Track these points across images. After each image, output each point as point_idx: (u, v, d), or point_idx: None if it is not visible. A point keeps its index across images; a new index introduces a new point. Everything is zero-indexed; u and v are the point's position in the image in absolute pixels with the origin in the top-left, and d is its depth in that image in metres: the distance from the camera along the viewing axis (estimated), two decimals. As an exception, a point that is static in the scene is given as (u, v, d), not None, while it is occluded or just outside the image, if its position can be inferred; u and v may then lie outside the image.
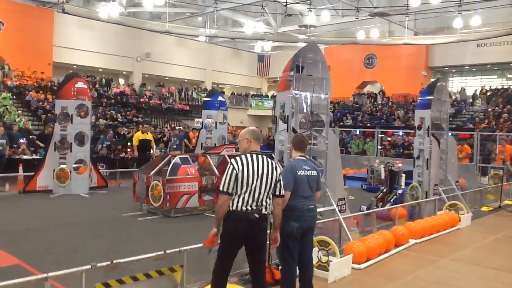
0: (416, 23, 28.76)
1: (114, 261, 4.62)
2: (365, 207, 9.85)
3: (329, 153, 7.89)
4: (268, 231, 4.72)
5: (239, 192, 4.22)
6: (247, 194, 4.21)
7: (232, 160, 4.34)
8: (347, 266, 6.12)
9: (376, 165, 14.90)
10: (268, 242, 4.70)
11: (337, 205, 7.50)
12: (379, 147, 20.01)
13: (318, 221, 6.55)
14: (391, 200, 9.84)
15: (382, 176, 10.69)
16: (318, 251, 5.97)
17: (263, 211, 4.28)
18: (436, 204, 10.15)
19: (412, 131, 11.55)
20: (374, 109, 31.03)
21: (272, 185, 4.33)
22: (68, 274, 4.33)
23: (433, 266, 6.79)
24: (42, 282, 4.09)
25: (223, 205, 4.23)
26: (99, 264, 4.47)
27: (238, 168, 4.23)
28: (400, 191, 10.08)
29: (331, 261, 5.88)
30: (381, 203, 10.01)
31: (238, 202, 4.21)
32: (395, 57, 31.52)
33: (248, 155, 4.36)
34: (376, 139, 20.34)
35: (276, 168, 4.38)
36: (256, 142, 4.51)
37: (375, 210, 8.83)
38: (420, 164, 10.55)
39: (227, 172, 4.26)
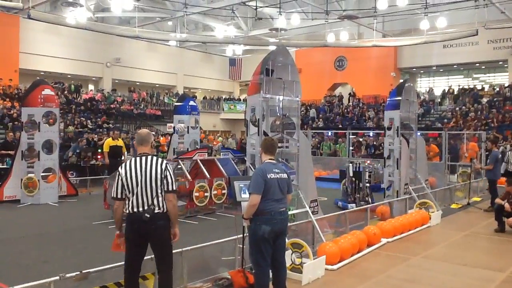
0: (384, 26, 29.24)
1: (84, 271, 4.53)
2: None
3: (300, 155, 7.94)
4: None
5: (129, 196, 4.41)
6: (135, 197, 4.38)
7: (120, 166, 4.55)
8: (320, 268, 6.14)
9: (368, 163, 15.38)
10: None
11: (309, 207, 7.54)
12: (351, 148, 20.25)
13: (291, 223, 6.58)
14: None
15: (351, 174, 11.50)
16: (292, 253, 5.98)
17: (156, 210, 4.38)
18: (407, 203, 10.31)
19: (383, 131, 11.73)
20: (345, 110, 31.39)
21: (159, 183, 4.42)
22: (36, 286, 4.21)
23: (405, 264, 6.89)
24: (8, 295, 3.99)
25: (117, 210, 4.50)
26: (68, 275, 4.38)
27: (122, 173, 4.44)
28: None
29: (304, 263, 5.89)
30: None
31: (129, 205, 4.40)
32: (364, 59, 31.99)
33: (133, 158, 4.53)
34: (347, 140, 20.57)
35: (161, 165, 4.49)
36: (141, 145, 4.66)
37: (368, 206, 8.94)
38: (391, 164, 10.71)
39: (116, 178, 4.50)
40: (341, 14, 25.03)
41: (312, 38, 30.97)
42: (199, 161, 11.08)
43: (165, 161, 4.57)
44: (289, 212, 5.78)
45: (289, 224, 5.51)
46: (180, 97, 17.54)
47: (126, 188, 4.39)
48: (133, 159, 4.50)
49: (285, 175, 5.07)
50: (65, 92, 27.64)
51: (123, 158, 14.21)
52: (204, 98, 37.38)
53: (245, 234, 5.41)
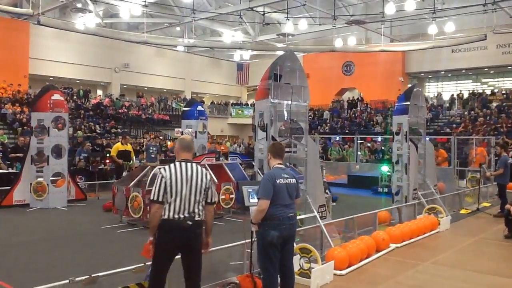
0: (392, 30, 29.20)
1: (93, 275, 4.54)
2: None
3: (308, 160, 7.93)
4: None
5: (169, 200, 4.24)
6: (177, 202, 4.24)
7: (161, 169, 4.37)
8: (329, 273, 6.12)
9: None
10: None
11: (318, 212, 7.52)
12: (359, 153, 20.21)
13: (299, 228, 6.56)
14: None
15: None
16: (300, 259, 5.97)
17: (196, 218, 4.30)
18: (416, 208, 10.25)
19: (391, 136, 11.70)
20: (353, 115, 31.34)
21: (203, 192, 4.35)
22: (45, 289, 4.24)
23: (414, 270, 6.84)
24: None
25: (156, 213, 4.27)
26: (77, 279, 4.39)
27: (167, 176, 4.27)
28: None
29: (313, 268, 5.87)
30: None
31: (169, 210, 4.23)
32: (372, 64, 31.94)
33: (177, 163, 4.39)
34: (355, 145, 20.53)
35: (206, 175, 4.42)
36: (184, 151, 4.52)
37: (375, 211, 8.87)
38: (399, 169, 10.66)
39: (157, 180, 4.31)
40: (348, 19, 25.03)
41: (319, 43, 31.01)
42: (207, 165, 11.09)
43: (208, 172, 4.51)
44: (297, 217, 5.76)
45: (297, 229, 5.50)
46: (188, 102, 17.59)
47: (169, 192, 4.24)
48: (177, 163, 4.38)
49: (293, 180, 5.07)
50: (74, 97, 27.83)
51: (131, 162, 14.30)
52: (212, 103, 37.47)
53: (253, 239, 5.40)
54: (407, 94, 11.16)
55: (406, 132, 10.58)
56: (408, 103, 10.79)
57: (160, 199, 4.24)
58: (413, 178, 10.57)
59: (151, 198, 4.30)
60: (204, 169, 4.48)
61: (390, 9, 21.31)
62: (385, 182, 15.35)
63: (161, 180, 4.27)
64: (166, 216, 4.24)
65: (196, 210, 4.30)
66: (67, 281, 4.31)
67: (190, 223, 4.24)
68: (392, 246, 7.94)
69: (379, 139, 21.68)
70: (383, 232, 8.01)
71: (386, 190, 14.93)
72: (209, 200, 4.42)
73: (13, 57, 25.77)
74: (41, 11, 21.71)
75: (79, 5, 24.21)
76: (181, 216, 4.24)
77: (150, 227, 4.36)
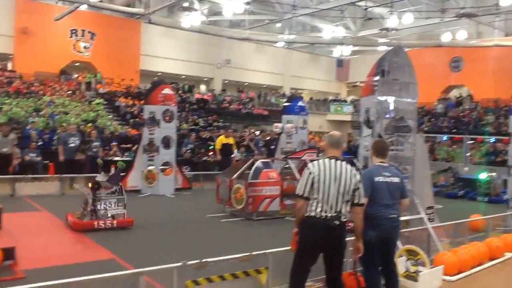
0: (507, 24, 26.96)
1: (203, 260, 4.76)
2: None
3: (416, 159, 7.62)
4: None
5: (316, 197, 4.17)
6: (325, 200, 4.15)
7: (310, 164, 4.32)
8: (437, 278, 5.84)
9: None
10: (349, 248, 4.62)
11: (425, 214, 7.21)
12: (467, 154, 18.94)
13: (404, 230, 6.33)
14: None
15: None
16: (406, 261, 5.76)
17: (343, 219, 4.19)
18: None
19: (506, 137, 10.85)
20: (461, 114, 29.46)
21: (350, 192, 4.21)
22: (161, 270, 4.52)
23: (533, 283, 6.32)
24: (137, 276, 4.31)
25: (301, 209, 4.26)
26: (189, 262, 4.62)
27: (314, 172, 4.19)
28: None
29: (420, 271, 5.64)
30: None
31: (317, 207, 4.16)
32: (484, 59, 29.64)
33: (327, 160, 4.30)
34: (464, 146, 19.29)
35: (354, 175, 4.26)
36: (333, 147, 4.41)
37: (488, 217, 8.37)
38: (516, 173, 9.87)
39: (304, 175, 4.29)
40: (458, 12, 23.51)
41: (424, 38, 29.54)
42: (308, 161, 11.10)
43: (357, 172, 4.38)
44: (401, 218, 5.52)
45: (402, 230, 5.31)
46: (289, 97, 17.73)
47: (316, 188, 4.18)
48: (326, 160, 4.29)
49: (396, 179, 4.88)
50: (179, 91, 29.27)
51: (233, 155, 14.77)
52: (311, 99, 37.33)
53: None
54: (528, 92, 10.27)
55: (525, 133, 9.76)
56: (529, 101, 9.92)
57: (305, 195, 4.21)
58: (531, 184, 9.72)
59: (297, 192, 4.28)
60: (353, 169, 4.34)
61: (505, 1, 19.66)
62: (483, 189, 14.32)
63: (308, 175, 4.22)
64: (312, 213, 4.19)
65: (343, 211, 4.21)
66: (180, 263, 4.56)
67: (337, 222, 4.15)
68: (508, 255, 7.37)
69: (493, 140, 20.10)
70: (497, 239, 7.47)
71: (486, 199, 13.92)
72: (356, 201, 4.28)
73: (126, 54, 27.77)
74: (152, 10, 23.11)
75: (185, 4, 25.39)
76: (328, 214, 4.15)
77: (296, 220, 4.41)
